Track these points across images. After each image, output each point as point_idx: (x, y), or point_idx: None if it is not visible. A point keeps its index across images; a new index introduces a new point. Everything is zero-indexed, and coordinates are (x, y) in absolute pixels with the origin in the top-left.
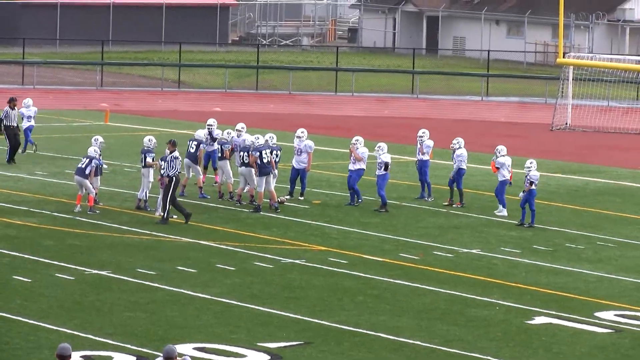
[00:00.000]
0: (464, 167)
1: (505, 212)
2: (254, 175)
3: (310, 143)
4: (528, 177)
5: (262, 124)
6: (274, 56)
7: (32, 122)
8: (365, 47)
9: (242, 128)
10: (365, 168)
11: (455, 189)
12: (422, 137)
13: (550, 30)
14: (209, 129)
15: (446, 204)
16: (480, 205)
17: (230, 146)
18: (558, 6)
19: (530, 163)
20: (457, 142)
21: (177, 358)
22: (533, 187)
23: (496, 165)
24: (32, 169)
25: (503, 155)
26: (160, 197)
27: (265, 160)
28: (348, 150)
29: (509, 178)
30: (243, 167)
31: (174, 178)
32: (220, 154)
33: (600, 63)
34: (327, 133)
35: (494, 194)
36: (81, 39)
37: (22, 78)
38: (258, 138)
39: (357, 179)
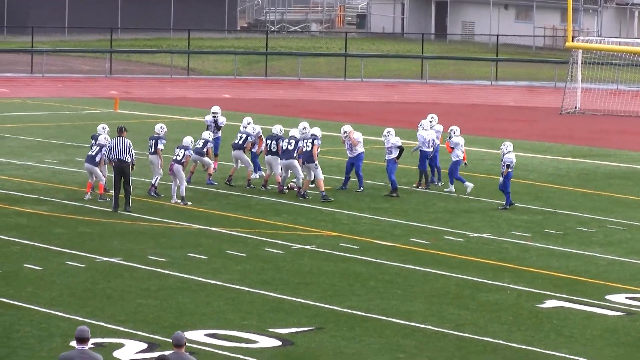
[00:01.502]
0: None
1: (452, 189)
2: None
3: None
4: (503, 160)
5: (272, 110)
6: (283, 42)
7: None
8: (374, 33)
9: (248, 124)
10: (364, 151)
11: (423, 169)
12: (431, 122)
13: (559, 14)
14: (214, 117)
15: (415, 186)
16: (491, 189)
17: (253, 138)
18: None
19: (503, 145)
20: (423, 125)
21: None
22: (510, 169)
23: (450, 146)
24: (42, 157)
25: (457, 135)
26: (173, 186)
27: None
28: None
29: (462, 158)
30: (269, 155)
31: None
32: (242, 143)
33: (609, 46)
34: (336, 119)
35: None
36: (90, 27)
37: (31, 66)
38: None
39: (360, 165)
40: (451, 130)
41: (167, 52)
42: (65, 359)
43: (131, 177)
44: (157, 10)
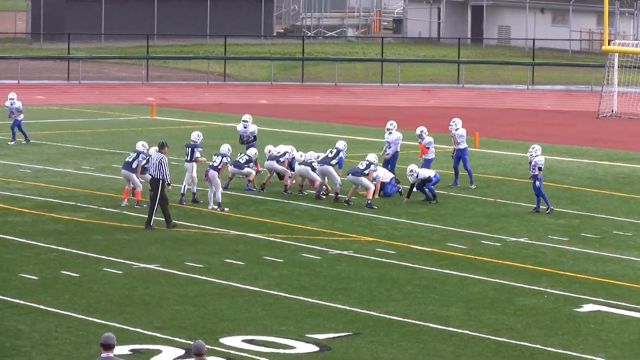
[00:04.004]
0: (398, 149)
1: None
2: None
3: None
4: (533, 162)
5: (308, 115)
6: (319, 48)
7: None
8: (410, 38)
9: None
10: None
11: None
12: (453, 125)
13: (595, 17)
14: (244, 125)
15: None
16: (528, 193)
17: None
18: None
19: (533, 148)
20: (392, 126)
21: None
22: (540, 172)
23: (426, 146)
24: (79, 164)
25: (428, 135)
26: (210, 192)
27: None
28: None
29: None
30: (302, 165)
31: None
32: (279, 157)
33: None
34: (373, 124)
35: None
36: (126, 34)
37: (67, 73)
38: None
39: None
40: (422, 131)
41: (203, 59)
42: None
43: (164, 194)
44: (193, 17)
